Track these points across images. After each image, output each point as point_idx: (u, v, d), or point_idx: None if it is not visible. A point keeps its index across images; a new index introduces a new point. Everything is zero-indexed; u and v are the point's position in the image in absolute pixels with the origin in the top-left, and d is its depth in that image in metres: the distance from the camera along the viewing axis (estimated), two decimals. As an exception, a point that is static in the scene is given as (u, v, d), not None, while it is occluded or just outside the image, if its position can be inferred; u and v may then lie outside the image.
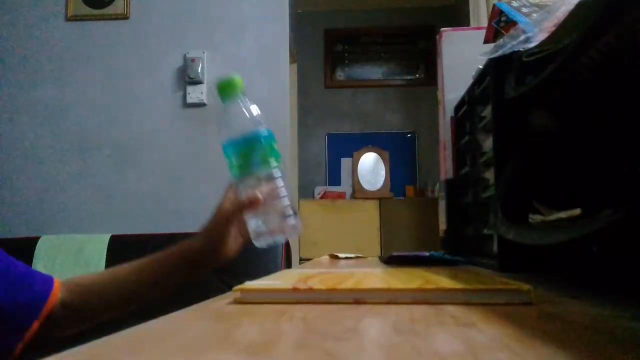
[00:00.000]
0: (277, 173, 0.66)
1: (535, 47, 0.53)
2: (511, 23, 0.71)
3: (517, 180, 0.59)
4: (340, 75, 4.07)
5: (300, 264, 1.98)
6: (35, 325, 0.69)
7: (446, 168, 1.02)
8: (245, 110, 0.66)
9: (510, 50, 0.58)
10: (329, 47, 4.08)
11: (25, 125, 2.09)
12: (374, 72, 4.06)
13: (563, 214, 0.45)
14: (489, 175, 0.72)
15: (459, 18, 3.46)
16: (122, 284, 0.74)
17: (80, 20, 2.12)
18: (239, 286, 0.38)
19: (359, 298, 0.36)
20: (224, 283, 1.38)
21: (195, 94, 2.05)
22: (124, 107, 2.09)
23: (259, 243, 0.67)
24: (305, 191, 3.73)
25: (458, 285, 0.37)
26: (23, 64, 2.11)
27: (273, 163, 0.66)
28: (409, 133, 3.95)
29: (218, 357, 0.22)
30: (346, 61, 4.08)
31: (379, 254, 2.18)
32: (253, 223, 0.67)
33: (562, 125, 0.56)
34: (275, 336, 0.25)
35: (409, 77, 4.04)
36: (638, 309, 0.34)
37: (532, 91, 0.54)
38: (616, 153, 0.49)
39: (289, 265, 1.57)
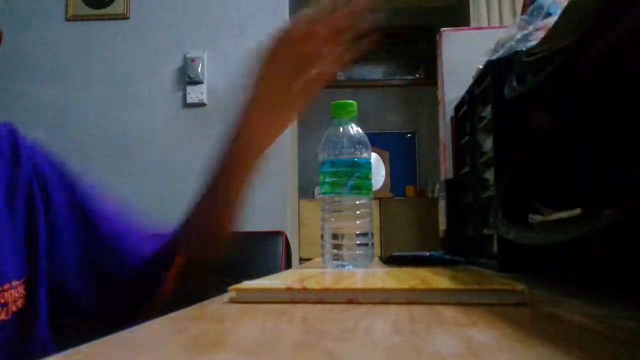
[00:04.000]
0: (365, 201, 0.69)
1: (535, 46, 0.53)
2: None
3: (517, 180, 0.59)
4: (340, 75, 4.07)
5: (300, 264, 1.98)
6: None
7: (446, 168, 1.02)
8: (352, 134, 0.70)
9: (510, 52, 0.58)
10: (329, 47, 4.07)
11: (25, 125, 2.07)
12: (374, 72, 4.06)
13: (563, 214, 0.45)
14: (489, 175, 0.72)
15: (459, 18, 3.45)
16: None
17: (80, 20, 2.12)
18: (235, 286, 0.38)
19: (352, 298, 0.36)
20: (224, 283, 1.38)
21: (195, 94, 2.05)
22: (124, 107, 2.09)
23: (329, 264, 0.68)
24: (305, 191, 3.73)
25: (451, 286, 0.37)
26: (23, 63, 2.11)
27: (364, 192, 0.69)
28: (409, 133, 3.95)
29: (218, 357, 0.22)
30: (346, 61, 4.08)
31: (379, 254, 2.17)
32: (328, 246, 0.68)
33: (562, 125, 0.56)
34: (276, 336, 0.25)
35: (409, 77, 4.04)
36: (638, 309, 0.34)
37: (532, 91, 0.53)
38: (616, 153, 0.49)
39: (289, 265, 1.57)
